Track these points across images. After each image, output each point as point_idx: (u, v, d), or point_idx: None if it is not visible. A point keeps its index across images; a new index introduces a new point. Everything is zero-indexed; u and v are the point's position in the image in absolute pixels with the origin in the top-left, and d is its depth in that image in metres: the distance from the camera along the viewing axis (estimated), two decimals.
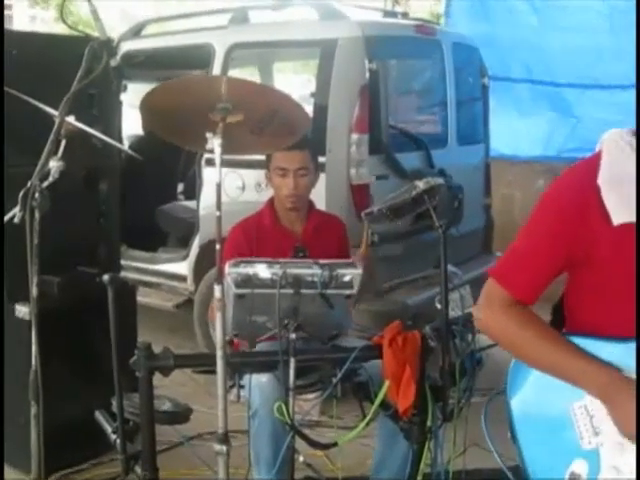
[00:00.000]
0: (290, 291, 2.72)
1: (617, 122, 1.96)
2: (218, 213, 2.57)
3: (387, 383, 2.79)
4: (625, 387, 1.74)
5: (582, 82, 7.12)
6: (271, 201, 3.66)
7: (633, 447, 1.76)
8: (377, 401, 2.82)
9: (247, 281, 2.73)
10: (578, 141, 6.98)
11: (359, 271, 2.81)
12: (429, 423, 2.81)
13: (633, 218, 1.76)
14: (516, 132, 7.34)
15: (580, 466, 1.81)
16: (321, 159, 3.96)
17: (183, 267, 5.58)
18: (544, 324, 1.92)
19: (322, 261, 2.79)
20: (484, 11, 7.47)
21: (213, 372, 2.65)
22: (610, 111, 6.74)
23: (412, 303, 4.70)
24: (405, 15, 6.31)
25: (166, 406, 3.34)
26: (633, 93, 6.23)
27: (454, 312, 2.85)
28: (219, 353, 2.58)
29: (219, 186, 2.57)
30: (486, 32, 7.20)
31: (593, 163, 1.84)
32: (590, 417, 1.81)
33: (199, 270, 5.40)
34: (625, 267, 1.79)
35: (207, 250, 5.21)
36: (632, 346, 1.77)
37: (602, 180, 1.79)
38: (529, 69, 7.38)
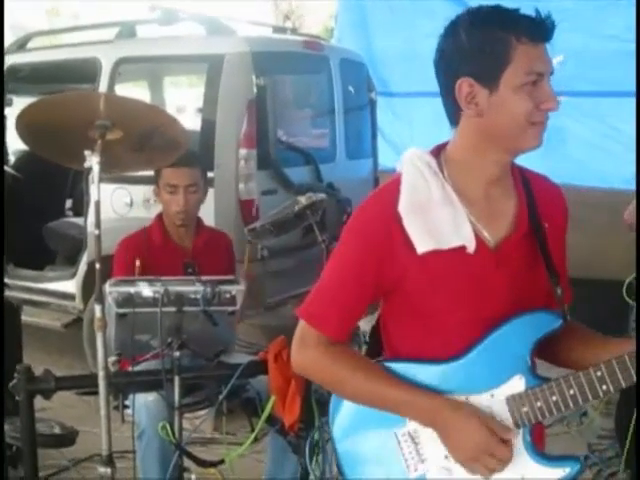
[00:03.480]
0: (172, 309, 2.71)
1: None
2: (97, 232, 2.54)
3: (273, 398, 2.80)
4: (453, 409, 1.71)
5: None
6: (160, 217, 3.62)
7: (459, 470, 1.75)
8: (263, 416, 2.82)
9: (128, 300, 2.70)
10: None
11: (242, 287, 2.81)
12: (316, 437, 2.82)
13: (437, 245, 1.71)
14: (403, 146, 7.44)
15: None
16: (209, 174, 3.95)
17: (71, 285, 5.45)
18: (360, 357, 1.88)
19: (204, 278, 2.79)
20: (370, 26, 7.56)
21: (96, 393, 2.61)
22: None
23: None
24: (294, 31, 6.36)
25: (52, 429, 3.26)
26: None
27: None
28: (101, 373, 2.55)
29: (98, 204, 2.54)
30: (371, 46, 7.30)
31: (393, 188, 1.76)
32: (415, 444, 1.79)
33: (87, 288, 5.29)
34: (436, 293, 1.74)
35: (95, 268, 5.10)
36: (451, 367, 1.76)
37: (402, 208, 1.73)
38: (413, 81, 7.49)
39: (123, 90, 5.49)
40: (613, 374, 1.68)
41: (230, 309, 2.80)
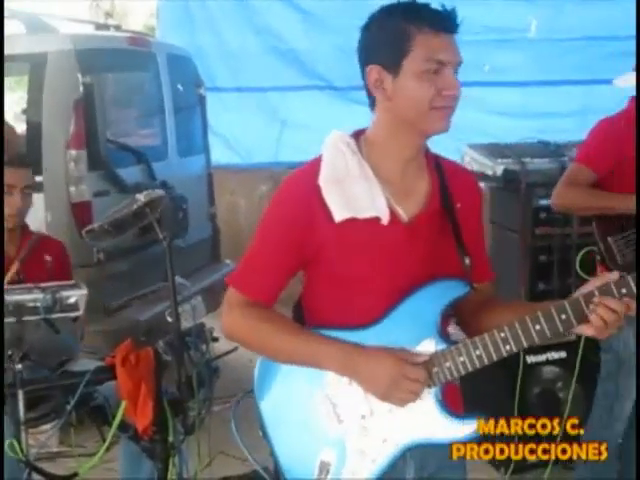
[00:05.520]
0: (12, 319, 2.58)
1: (321, 127, 2.03)
2: None
3: (124, 403, 2.72)
4: (361, 352, 1.83)
5: (286, 85, 7.34)
6: None
7: (376, 429, 1.87)
8: (115, 423, 2.74)
9: None
10: (290, 145, 7.20)
11: (84, 292, 2.72)
12: (171, 439, 2.77)
13: (354, 214, 1.84)
14: (235, 140, 7.44)
15: (328, 454, 1.88)
16: (38, 178, 3.79)
17: None
18: (283, 318, 1.98)
19: (43, 285, 2.67)
20: (190, 22, 7.50)
21: None
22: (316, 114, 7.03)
23: (144, 319, 4.62)
24: (118, 28, 6.20)
25: None
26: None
27: (187, 323, 2.84)
28: None
29: None
30: (196, 42, 7.25)
31: (315, 165, 1.91)
32: (333, 405, 1.88)
33: None
34: (353, 261, 1.88)
35: None
36: (367, 333, 1.86)
37: (322, 180, 1.87)
38: (236, 77, 7.49)
39: None
40: (515, 335, 1.82)
41: (73, 315, 2.70)
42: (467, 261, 1.92)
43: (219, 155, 6.93)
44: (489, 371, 4.13)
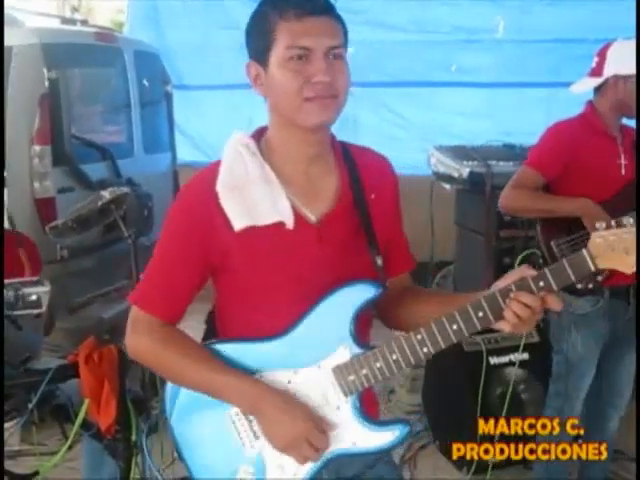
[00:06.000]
0: None
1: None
2: None
3: (86, 402, 2.70)
4: (270, 398, 1.74)
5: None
6: None
7: None
8: (77, 422, 2.72)
9: None
10: None
11: (47, 288, 2.69)
12: (134, 438, 2.76)
13: (253, 222, 1.74)
14: (200, 139, 7.40)
15: (247, 471, 1.81)
16: None
17: None
18: (189, 341, 1.85)
19: (6, 281, 2.64)
20: (161, 18, 7.44)
21: None
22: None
23: (107, 316, 4.59)
24: (85, 23, 6.14)
25: None
26: None
27: None
28: None
29: None
30: (164, 39, 7.20)
31: (214, 170, 1.79)
32: (249, 422, 1.80)
33: None
34: (258, 269, 1.77)
35: None
36: (278, 343, 1.78)
37: (220, 186, 1.75)
38: (202, 74, 7.44)
39: None
40: (432, 336, 1.73)
41: (36, 312, 2.67)
42: (379, 261, 1.83)
43: (185, 153, 6.90)
44: (453, 373, 4.18)
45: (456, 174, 4.97)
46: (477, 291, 1.79)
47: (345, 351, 1.78)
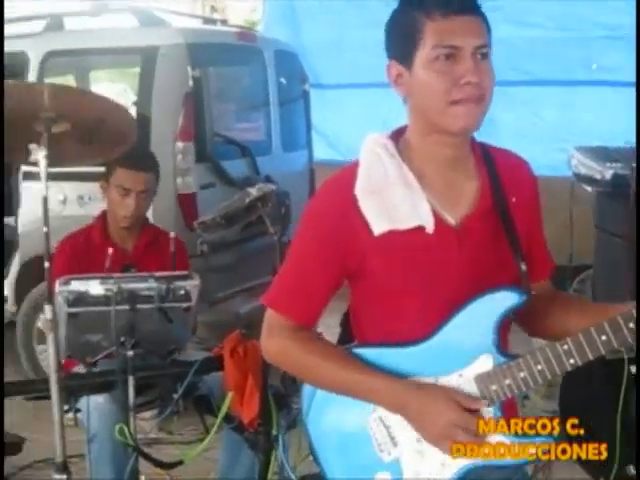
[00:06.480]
0: (126, 307, 2.63)
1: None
2: (45, 229, 2.43)
3: (230, 395, 2.75)
4: (415, 394, 1.71)
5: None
6: (103, 215, 3.48)
7: (432, 453, 1.74)
8: (221, 414, 2.77)
9: (79, 299, 2.61)
10: None
11: (197, 282, 2.75)
12: (274, 432, 2.78)
13: (394, 226, 1.71)
14: (335, 137, 7.44)
15: (384, 477, 1.78)
16: None
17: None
18: (328, 345, 1.86)
19: (158, 274, 2.71)
20: (298, 17, 7.52)
21: (47, 397, 2.51)
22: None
23: (243, 312, 4.67)
24: (224, 22, 6.28)
25: None
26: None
27: None
28: (53, 377, 2.44)
29: (46, 200, 2.43)
30: (300, 38, 7.27)
31: (350, 173, 1.77)
32: (387, 428, 1.77)
33: (21, 290, 5.13)
34: (397, 275, 1.75)
35: (29, 269, 4.96)
36: (419, 349, 1.75)
37: (358, 190, 1.73)
38: (343, 73, 7.47)
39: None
40: (580, 347, 1.66)
41: (185, 305, 2.73)
42: (523, 267, 1.77)
43: (320, 152, 6.95)
44: (594, 381, 4.03)
45: (598, 176, 4.81)
46: (616, 297, 1.72)
47: (488, 360, 1.73)
